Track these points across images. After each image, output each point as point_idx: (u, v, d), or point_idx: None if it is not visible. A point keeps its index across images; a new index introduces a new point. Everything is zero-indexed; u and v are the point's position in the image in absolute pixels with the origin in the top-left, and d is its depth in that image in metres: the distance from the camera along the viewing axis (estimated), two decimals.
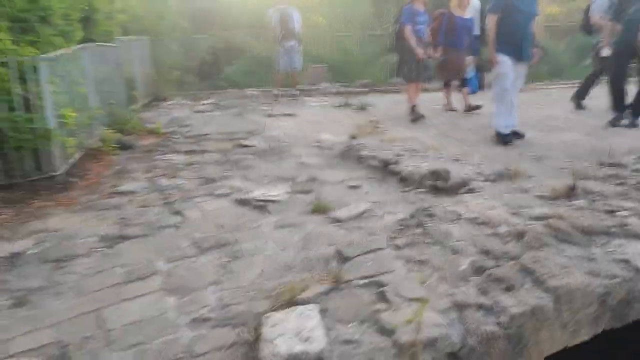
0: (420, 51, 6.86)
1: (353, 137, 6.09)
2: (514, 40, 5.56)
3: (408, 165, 4.41)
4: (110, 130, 6.36)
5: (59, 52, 4.98)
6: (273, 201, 4.01)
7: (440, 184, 3.92)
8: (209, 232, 3.56)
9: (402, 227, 3.35)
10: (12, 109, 4.40)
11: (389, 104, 8.54)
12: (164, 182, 4.70)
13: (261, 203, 3.98)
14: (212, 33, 15.92)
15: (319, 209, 3.82)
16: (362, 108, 8.08)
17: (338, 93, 10.01)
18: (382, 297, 2.54)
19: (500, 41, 5.60)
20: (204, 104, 9.18)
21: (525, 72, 6.08)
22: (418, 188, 4.04)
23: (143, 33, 11.23)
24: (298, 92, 9.52)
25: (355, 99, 8.97)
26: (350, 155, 5.09)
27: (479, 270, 2.74)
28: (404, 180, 4.22)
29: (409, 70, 7.13)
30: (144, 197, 4.34)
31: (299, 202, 4.02)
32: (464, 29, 7.34)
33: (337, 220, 3.59)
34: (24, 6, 4.75)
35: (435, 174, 4.02)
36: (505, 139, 5.65)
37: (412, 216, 3.46)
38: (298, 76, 9.56)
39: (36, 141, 4.48)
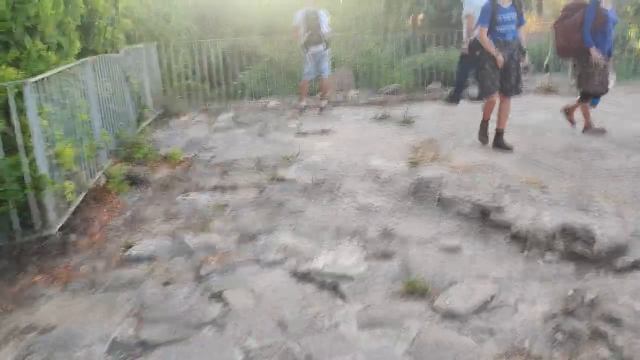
0: (500, 58, 5.19)
1: (413, 164, 4.99)
2: None
3: (519, 216, 3.30)
4: (117, 162, 5.29)
5: (51, 71, 3.90)
6: (346, 276, 2.90)
7: (581, 250, 2.81)
8: (267, 336, 2.47)
9: (559, 333, 2.25)
10: None
11: (435, 116, 7.42)
12: (191, 239, 3.60)
13: (330, 280, 2.88)
14: (223, 37, 14.93)
15: (415, 290, 2.72)
16: (407, 122, 6.97)
17: (371, 103, 8.89)
18: None
19: None
20: (221, 120, 8.09)
21: None
22: (546, 253, 2.93)
23: (148, 38, 10.21)
24: (326, 102, 8.41)
25: (393, 110, 7.85)
26: (426, 195, 3.98)
27: None
28: (520, 240, 3.11)
29: (491, 83, 5.37)
30: (167, 267, 3.25)
31: (382, 276, 2.92)
32: (610, 24, 5.74)
33: (452, 315, 2.49)
34: (4, 14, 3.65)
35: (570, 233, 2.91)
36: None
37: (567, 312, 2.35)
38: (327, 84, 8.43)
39: (23, 193, 3.39)
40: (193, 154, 5.98)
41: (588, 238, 2.84)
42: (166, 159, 5.75)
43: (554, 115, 7.05)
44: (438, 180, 4.20)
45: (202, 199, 4.44)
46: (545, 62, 6.38)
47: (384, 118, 7.43)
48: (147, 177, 5.07)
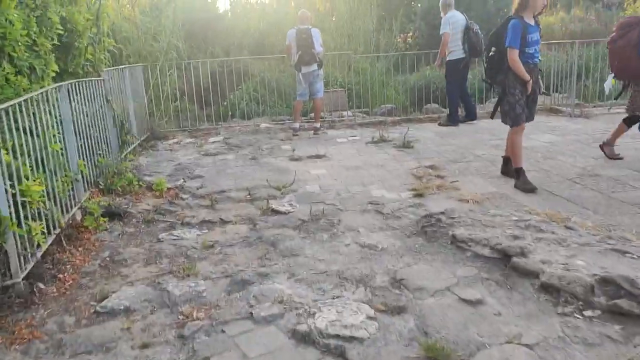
0: (530, 85, 4.66)
1: (418, 194, 4.62)
2: None
3: (547, 261, 2.92)
4: (96, 194, 4.86)
5: (20, 97, 3.49)
6: (354, 338, 2.50)
7: (627, 306, 2.43)
8: None
9: None
10: None
11: (435, 139, 7.07)
12: (175, 287, 3.18)
13: (336, 343, 2.47)
14: (212, 56, 14.60)
15: (436, 357, 2.32)
16: (407, 146, 6.61)
17: (366, 124, 8.56)
18: None
19: None
20: (211, 142, 7.70)
21: None
22: (584, 309, 2.55)
23: (136, 58, 9.85)
24: (320, 124, 8.05)
25: (390, 132, 7.52)
26: (437, 233, 3.60)
27: None
28: (552, 291, 2.72)
29: (522, 110, 4.78)
30: (147, 323, 2.82)
31: (395, 337, 2.52)
32: None
33: None
34: None
35: (612, 285, 2.53)
36: None
37: None
38: (321, 105, 8.07)
39: None
40: (180, 182, 5.57)
41: (634, 291, 2.46)
42: (151, 188, 5.33)
43: (562, 136, 6.75)
44: (449, 215, 3.82)
45: (189, 237, 4.02)
46: (609, 87, 5.78)
47: (381, 141, 7.08)
48: (129, 210, 4.64)
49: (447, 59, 7.93)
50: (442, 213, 3.90)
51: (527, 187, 4.57)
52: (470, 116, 8.06)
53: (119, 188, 5.09)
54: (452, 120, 7.94)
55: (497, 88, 4.89)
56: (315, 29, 7.71)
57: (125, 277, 3.41)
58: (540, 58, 4.88)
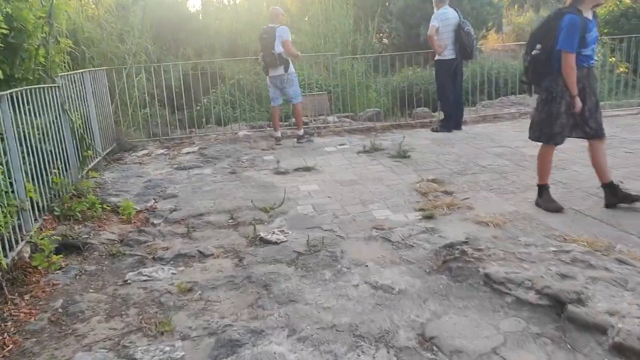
0: (579, 104, 3.85)
1: (428, 216, 4.01)
2: None
3: (613, 311, 2.34)
4: (50, 223, 4.13)
5: None
6: None
7: None
8: None
9: None
10: None
11: (432, 147, 6.50)
12: (144, 353, 2.50)
13: None
14: (183, 58, 13.82)
15: None
16: (403, 155, 6.02)
17: (354, 130, 7.96)
18: None
19: None
20: (185, 153, 6.98)
21: None
22: None
23: (102, 60, 9.07)
24: (302, 131, 7.39)
25: (381, 139, 6.93)
26: (464, 270, 2.99)
27: None
28: (628, 354, 2.14)
29: (562, 128, 3.97)
30: None
31: None
32: None
33: None
34: None
35: None
36: None
37: None
38: (300, 111, 7.39)
39: None
40: (150, 204, 4.87)
41: None
42: (117, 211, 4.62)
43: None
44: (473, 245, 3.22)
45: (162, 276, 3.33)
46: None
47: (373, 150, 6.47)
48: (89, 242, 3.93)
49: (437, 58, 7.38)
50: (465, 242, 3.30)
51: (551, 207, 3.99)
52: (457, 126, 7.47)
53: (77, 214, 4.36)
54: (446, 125, 7.40)
55: (541, 94, 4.03)
56: (282, 27, 6.99)
57: (81, 337, 2.70)
58: (595, 58, 4.18)
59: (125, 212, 4.49)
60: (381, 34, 21.33)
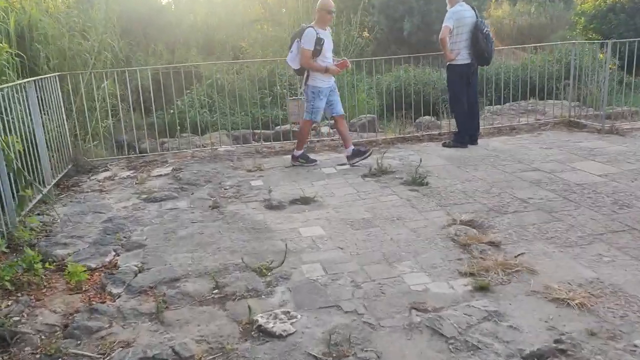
0: None
1: (481, 287, 3.01)
2: None
3: None
4: None
5: None
6: None
7: None
8: None
9: None
10: None
11: (450, 169, 5.51)
12: None
13: None
14: (153, 56, 12.60)
15: None
16: (419, 182, 5.02)
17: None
18: None
19: None
20: (156, 176, 5.85)
21: None
22: None
23: (57, 61, 7.88)
24: (300, 153, 6.22)
25: (388, 158, 5.90)
26: None
27: None
28: None
29: None
30: None
31: None
32: None
33: None
34: None
35: None
36: None
37: None
38: (303, 128, 6.10)
39: None
40: (110, 258, 3.77)
41: None
42: (60, 273, 3.51)
43: (614, 165, 5.30)
44: (573, 355, 2.23)
45: None
46: None
47: (381, 173, 5.46)
48: (19, 330, 2.82)
49: (449, 62, 6.38)
50: (561, 352, 2.30)
51: None
52: (473, 141, 6.50)
53: (7, 282, 3.24)
54: (461, 140, 6.42)
55: None
56: (308, 30, 5.70)
57: None
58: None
59: (74, 277, 3.38)
60: (364, 28, 20.28)
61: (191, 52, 13.10)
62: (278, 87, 10.24)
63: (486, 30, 6.08)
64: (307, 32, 5.64)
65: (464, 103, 6.36)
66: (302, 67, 5.78)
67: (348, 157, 5.92)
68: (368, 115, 9.45)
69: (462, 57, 6.22)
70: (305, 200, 4.77)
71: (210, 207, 4.76)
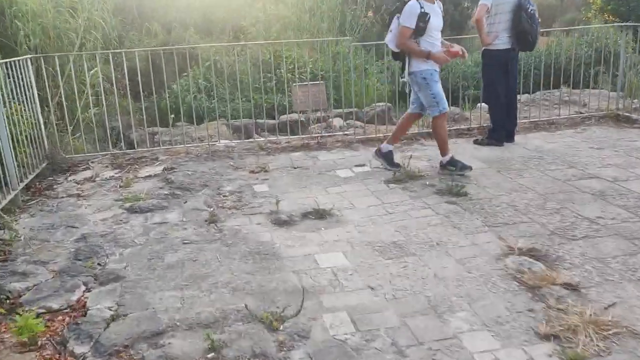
0: None
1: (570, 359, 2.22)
2: None
3: None
4: None
5: None
6: None
7: None
8: None
9: None
10: None
11: (489, 174, 4.67)
12: None
13: None
14: (148, 35, 11.69)
15: None
16: (457, 192, 4.19)
17: (369, 141, 6.03)
18: None
19: None
20: (145, 178, 5.03)
21: None
22: None
23: (39, 41, 7.04)
24: (449, 156, 4.82)
25: (413, 157, 5.04)
26: None
27: None
28: None
29: None
30: None
31: None
32: None
33: None
34: None
35: None
36: None
37: None
38: (439, 127, 4.84)
39: None
40: (77, 296, 2.96)
41: None
42: (13, 317, 2.71)
43: None
44: None
45: None
46: None
47: (408, 178, 4.64)
48: None
49: (485, 47, 5.51)
50: None
51: None
52: (510, 138, 5.66)
53: None
54: (497, 137, 5.57)
55: None
56: (411, 3, 4.61)
57: None
58: None
59: (28, 331, 2.58)
60: (370, 8, 19.27)
61: (188, 32, 12.18)
62: (282, 72, 9.32)
63: (531, 10, 5.18)
64: (409, 5, 4.56)
65: (500, 94, 5.50)
66: (401, 50, 4.71)
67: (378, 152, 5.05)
68: (380, 103, 8.60)
69: (501, 40, 5.34)
70: (320, 214, 3.95)
71: (206, 221, 3.94)
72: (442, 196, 4.21)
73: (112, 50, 6.69)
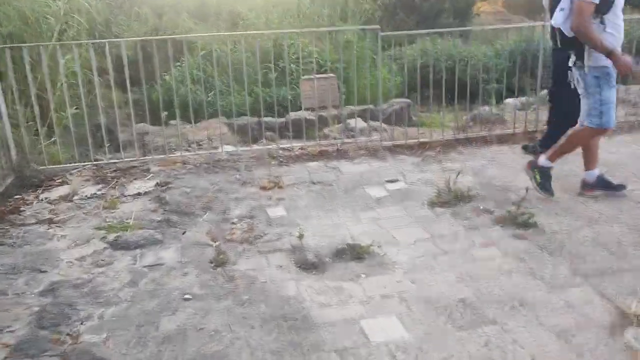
0: None
1: None
2: None
3: None
4: None
5: None
6: None
7: None
8: None
9: None
10: None
11: (561, 200, 3.79)
12: None
13: None
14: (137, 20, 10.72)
15: None
16: (525, 223, 3.35)
17: (394, 148, 5.12)
18: None
19: None
20: (133, 197, 4.15)
21: None
22: None
23: (12, 27, 6.25)
24: (597, 173, 3.87)
25: (455, 172, 4.19)
26: None
27: None
28: None
29: None
30: None
31: None
32: None
33: None
34: None
35: None
36: None
37: None
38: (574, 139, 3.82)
39: None
40: None
41: None
42: None
43: None
44: None
45: None
46: None
47: (456, 200, 3.79)
48: None
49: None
50: None
51: None
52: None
53: None
54: (552, 144, 4.69)
55: None
56: None
57: None
58: None
59: None
60: None
61: (181, 17, 11.23)
62: (287, 62, 8.37)
63: None
64: None
65: (573, 98, 4.40)
66: (577, 35, 3.41)
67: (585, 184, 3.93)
68: (397, 99, 7.72)
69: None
70: (356, 253, 3.11)
71: (211, 263, 3.09)
72: (504, 228, 3.37)
73: (93, 40, 5.75)
